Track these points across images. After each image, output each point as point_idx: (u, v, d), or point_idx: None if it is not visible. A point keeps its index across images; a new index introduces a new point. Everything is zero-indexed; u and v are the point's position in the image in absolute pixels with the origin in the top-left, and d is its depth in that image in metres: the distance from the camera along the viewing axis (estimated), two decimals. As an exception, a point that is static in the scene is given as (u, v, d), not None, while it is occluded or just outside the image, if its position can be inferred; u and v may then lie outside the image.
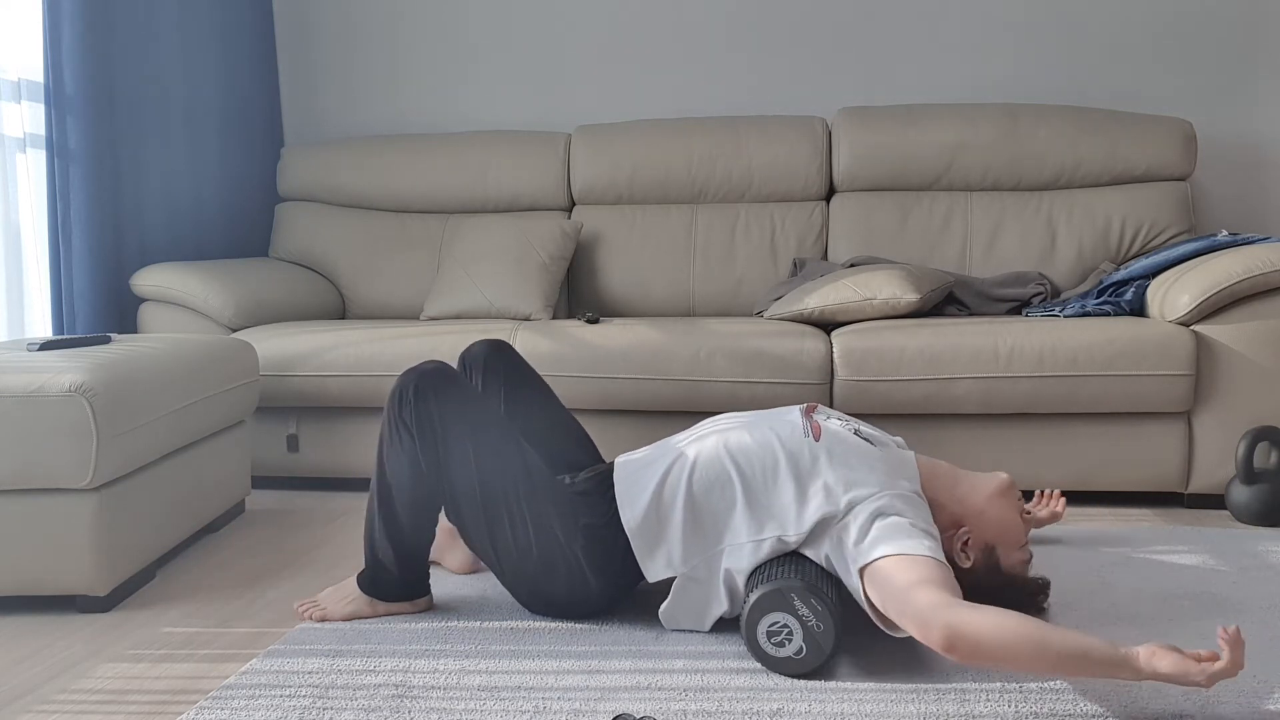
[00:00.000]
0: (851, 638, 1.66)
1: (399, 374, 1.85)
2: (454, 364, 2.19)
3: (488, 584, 1.97)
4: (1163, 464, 2.49)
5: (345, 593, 1.82)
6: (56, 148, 2.71)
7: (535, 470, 1.72)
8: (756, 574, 1.59)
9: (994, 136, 3.16)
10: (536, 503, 1.69)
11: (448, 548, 2.02)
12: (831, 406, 2.56)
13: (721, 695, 1.47)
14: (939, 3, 3.46)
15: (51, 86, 2.69)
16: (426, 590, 1.85)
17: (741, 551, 1.62)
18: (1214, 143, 3.33)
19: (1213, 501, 2.49)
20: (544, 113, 3.65)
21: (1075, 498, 2.59)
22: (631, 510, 1.67)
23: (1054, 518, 2.06)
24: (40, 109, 2.74)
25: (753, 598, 1.53)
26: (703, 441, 1.70)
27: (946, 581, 1.44)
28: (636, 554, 1.67)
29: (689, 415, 2.61)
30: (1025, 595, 1.69)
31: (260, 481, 2.80)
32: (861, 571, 1.50)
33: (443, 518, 1.94)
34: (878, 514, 1.54)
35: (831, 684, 1.50)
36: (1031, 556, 1.71)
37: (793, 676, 1.52)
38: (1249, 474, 2.35)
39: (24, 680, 1.59)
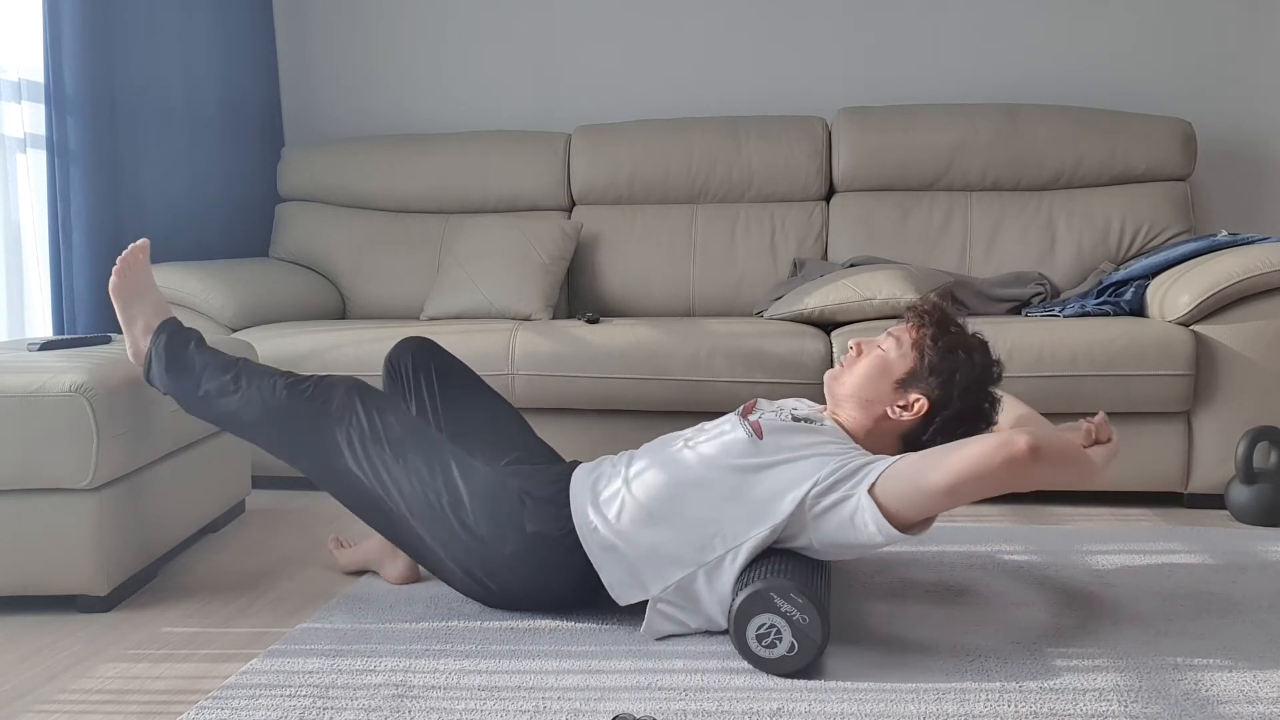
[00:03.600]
0: (852, 638, 1.66)
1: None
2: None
3: (488, 584, 1.96)
4: (1162, 464, 2.49)
5: (152, 299, 1.97)
6: (57, 148, 2.71)
7: (460, 474, 1.72)
8: (739, 581, 1.58)
9: (994, 137, 3.16)
10: (466, 508, 1.70)
11: (387, 558, 1.99)
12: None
13: (721, 695, 1.47)
14: (939, 2, 3.46)
15: (52, 86, 2.69)
16: (151, 381, 1.94)
17: (720, 567, 1.60)
18: (1214, 142, 3.33)
19: (1212, 501, 2.49)
20: (544, 113, 3.65)
21: (1075, 498, 2.58)
22: (592, 536, 1.65)
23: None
24: (40, 109, 2.74)
25: (735, 605, 1.53)
26: (655, 467, 1.68)
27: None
28: (604, 579, 1.66)
29: (689, 415, 2.60)
30: (988, 375, 1.70)
31: (260, 481, 2.80)
32: (874, 487, 1.52)
33: None
34: (846, 466, 1.57)
35: (831, 684, 1.50)
36: (910, 371, 1.71)
37: (791, 675, 1.52)
38: (1249, 474, 2.35)
39: (24, 680, 1.59)
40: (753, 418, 1.72)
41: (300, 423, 1.82)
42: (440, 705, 1.45)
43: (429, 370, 2.01)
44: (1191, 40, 3.36)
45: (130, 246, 2.00)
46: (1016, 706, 1.41)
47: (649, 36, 3.59)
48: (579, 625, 1.74)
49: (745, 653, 1.54)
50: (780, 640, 1.51)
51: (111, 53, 2.86)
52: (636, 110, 3.57)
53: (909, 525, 1.54)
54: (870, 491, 1.52)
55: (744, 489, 1.60)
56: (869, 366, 1.73)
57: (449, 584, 1.83)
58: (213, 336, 2.47)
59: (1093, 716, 1.38)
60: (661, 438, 1.80)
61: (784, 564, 1.56)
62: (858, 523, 1.53)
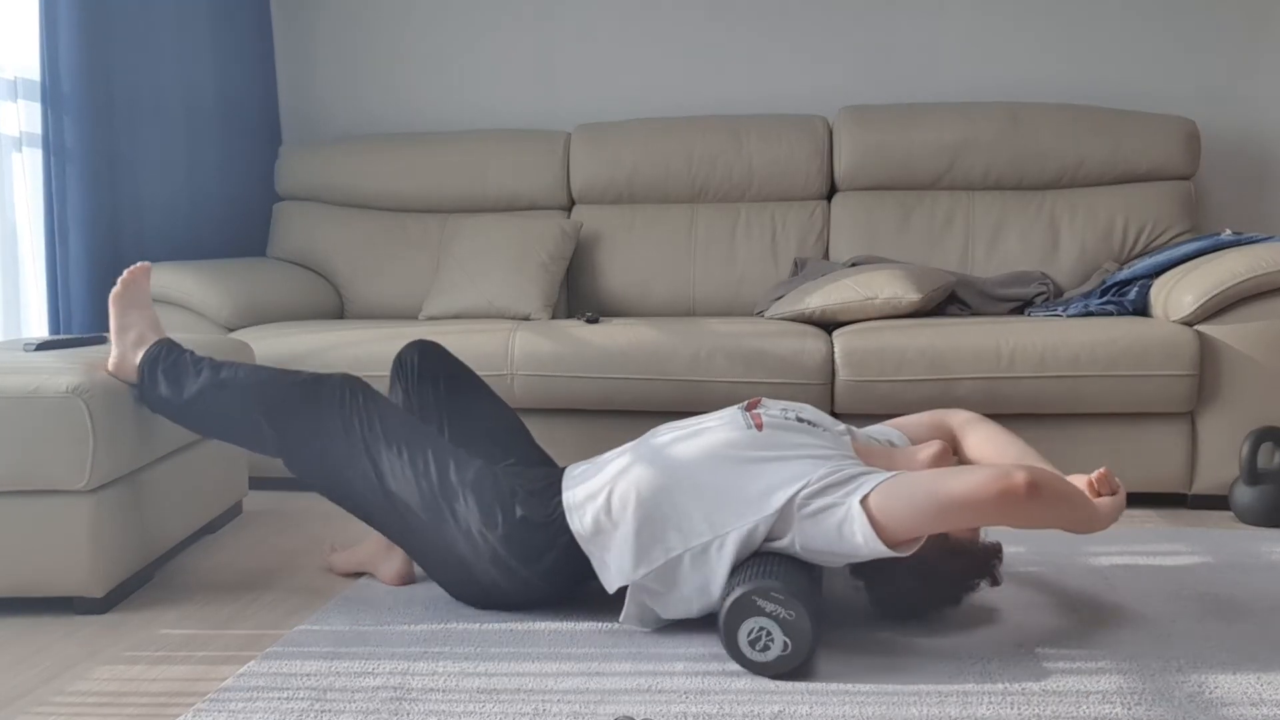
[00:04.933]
0: (853, 641, 1.65)
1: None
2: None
3: (487, 585, 1.95)
4: (1166, 465, 2.48)
5: (146, 315, 1.96)
6: (53, 147, 2.70)
7: (454, 465, 1.73)
8: (724, 589, 1.57)
9: (996, 135, 3.15)
10: (459, 496, 1.71)
11: (382, 560, 1.99)
12: (833, 407, 2.55)
13: (722, 698, 1.46)
14: (940, 2, 3.45)
15: (48, 85, 2.68)
16: (143, 397, 1.93)
17: (706, 553, 1.60)
18: (1217, 142, 3.32)
19: (1216, 502, 2.47)
20: (544, 112, 3.64)
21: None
22: (580, 519, 1.66)
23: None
24: (36, 108, 2.73)
25: (722, 616, 1.52)
26: (649, 451, 1.69)
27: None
28: (594, 565, 1.67)
29: (689, 415, 2.59)
30: (978, 563, 1.69)
31: (257, 482, 2.79)
32: (866, 499, 1.50)
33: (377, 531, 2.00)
34: (840, 472, 1.56)
35: (833, 686, 1.49)
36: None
37: (790, 676, 1.51)
38: (1253, 474, 2.34)
39: (20, 682, 1.58)
40: (756, 411, 1.72)
41: (296, 418, 1.81)
42: (439, 708, 1.44)
43: (435, 373, 2.01)
44: (1195, 39, 3.34)
45: (135, 265, 2.00)
46: (1019, 709, 1.40)
47: (649, 36, 3.58)
48: (579, 627, 1.74)
49: (741, 660, 1.53)
50: (773, 641, 1.50)
51: (108, 51, 2.85)
52: (636, 109, 3.56)
53: (897, 542, 1.52)
54: (862, 503, 1.51)
55: (736, 479, 1.60)
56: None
57: (441, 585, 1.83)
58: (210, 337, 2.46)
59: (1096, 719, 1.37)
60: (658, 427, 1.80)
61: (766, 566, 1.56)
62: (845, 532, 1.52)
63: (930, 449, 1.72)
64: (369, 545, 2.02)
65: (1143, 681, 1.49)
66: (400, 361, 2.04)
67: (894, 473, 1.56)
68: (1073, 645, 1.63)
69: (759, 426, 1.66)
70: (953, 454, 1.76)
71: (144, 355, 1.92)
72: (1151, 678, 1.50)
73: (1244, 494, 2.36)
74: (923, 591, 1.68)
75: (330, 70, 3.76)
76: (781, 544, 1.59)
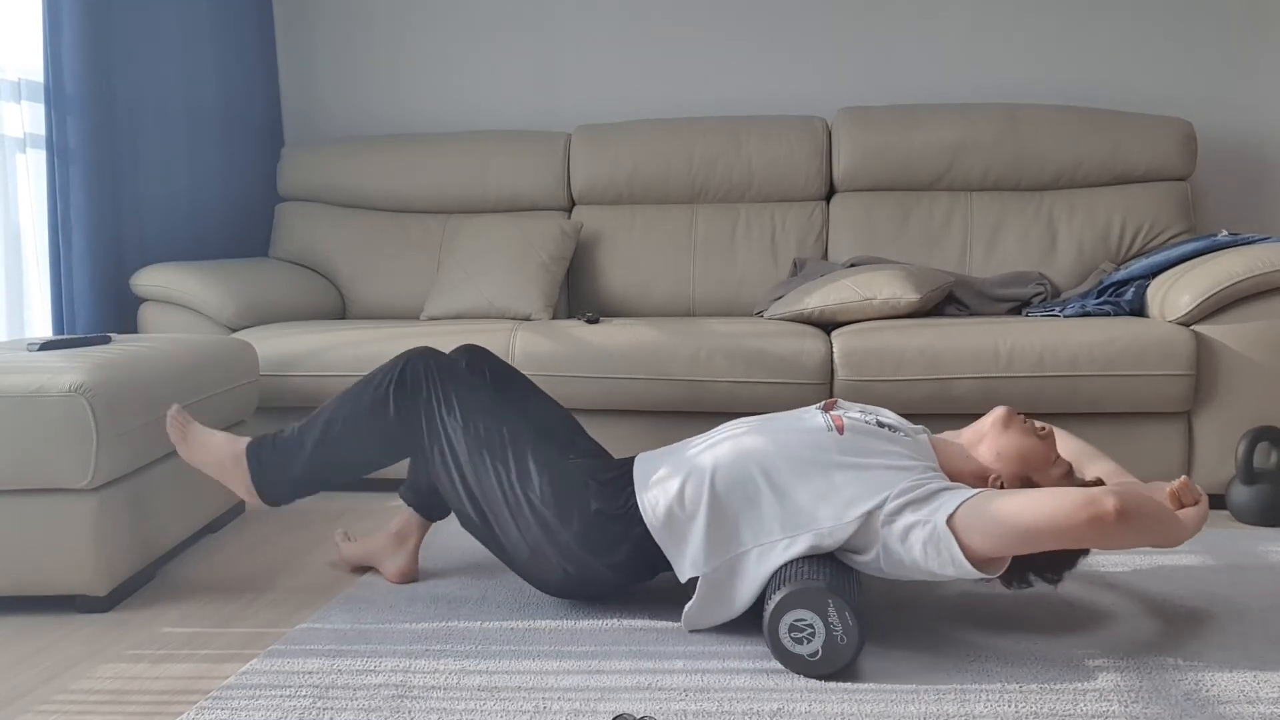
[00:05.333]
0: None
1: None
2: None
3: (488, 584, 1.97)
4: (1163, 464, 2.49)
5: (217, 441, 1.86)
6: (56, 148, 2.71)
7: (536, 454, 1.73)
8: (787, 569, 1.57)
9: (994, 136, 3.16)
10: (534, 485, 1.70)
11: (389, 554, 1.99)
12: (832, 406, 2.55)
13: (721, 695, 1.46)
14: (939, 2, 3.46)
15: (51, 86, 2.68)
16: (281, 501, 1.88)
17: (773, 551, 1.59)
18: (1214, 143, 3.33)
19: (1213, 502, 2.47)
20: (544, 112, 3.65)
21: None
22: (654, 510, 1.66)
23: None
24: (40, 109, 2.74)
25: (787, 589, 1.51)
26: (725, 443, 1.68)
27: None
28: (666, 553, 1.66)
29: (689, 415, 2.61)
30: (1057, 560, 1.66)
31: (260, 481, 2.80)
32: (952, 517, 1.49)
33: (389, 523, 2.01)
34: (923, 487, 1.54)
35: (832, 684, 1.50)
36: (1071, 467, 1.70)
37: (798, 674, 1.52)
38: (1249, 474, 2.35)
39: (23, 681, 1.59)
40: (835, 413, 1.71)
41: (395, 425, 1.81)
42: (440, 705, 1.44)
43: (486, 376, 1.99)
44: (1192, 40, 3.35)
45: (169, 416, 1.93)
46: (1017, 706, 1.41)
47: (649, 37, 3.59)
48: (579, 625, 1.74)
49: (771, 635, 1.52)
50: (810, 640, 1.51)
51: (111, 52, 2.86)
52: (636, 110, 3.57)
53: (982, 562, 1.51)
54: (949, 522, 1.49)
55: (814, 482, 1.59)
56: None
57: (518, 573, 1.81)
58: (211, 337, 2.47)
59: (1093, 717, 1.38)
60: (729, 423, 1.79)
61: (845, 577, 1.55)
62: (932, 552, 1.50)
63: (993, 418, 1.69)
64: (379, 539, 2.03)
65: (1139, 679, 1.50)
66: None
67: (977, 490, 1.53)
68: (1069, 642, 1.64)
69: (840, 429, 1.65)
70: (1017, 413, 1.71)
71: (250, 472, 1.86)
72: (1148, 675, 1.51)
73: (1240, 493, 2.37)
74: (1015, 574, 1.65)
75: (332, 71, 3.77)
76: (864, 559, 1.58)
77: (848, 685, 1.49)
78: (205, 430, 1.92)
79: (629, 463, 1.77)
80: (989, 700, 1.43)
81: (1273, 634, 1.66)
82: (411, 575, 1.98)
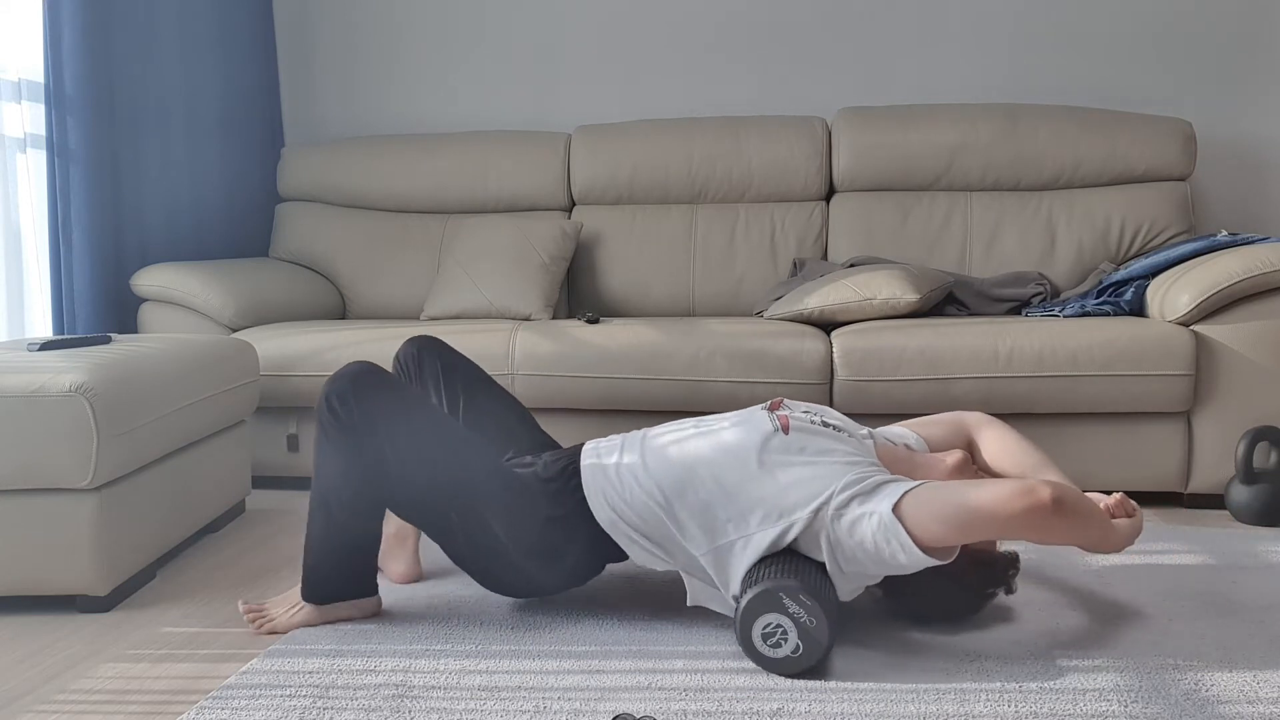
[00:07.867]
0: (852, 638, 1.66)
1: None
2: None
3: (488, 584, 1.97)
4: (1162, 464, 2.49)
5: (291, 601, 1.78)
6: (57, 148, 2.71)
7: (483, 460, 1.71)
8: (747, 577, 1.58)
9: (994, 137, 3.16)
10: (483, 493, 1.68)
11: (392, 555, 1.99)
12: (831, 406, 2.55)
13: (721, 695, 1.47)
14: (939, 3, 3.46)
15: (52, 86, 2.69)
16: (373, 591, 1.80)
17: (730, 552, 1.60)
18: (1213, 143, 3.33)
19: (1212, 501, 2.49)
20: (544, 113, 3.65)
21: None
22: (600, 510, 1.67)
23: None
24: (40, 109, 2.74)
25: (743, 603, 1.52)
26: (673, 446, 1.68)
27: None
28: (620, 544, 1.67)
29: (690, 415, 2.61)
30: (995, 573, 1.70)
31: (260, 481, 2.80)
32: (897, 506, 1.50)
33: (388, 524, 1.98)
34: (868, 480, 1.56)
35: (831, 684, 1.50)
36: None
37: (793, 675, 1.52)
38: (1249, 474, 2.35)
39: (24, 680, 1.59)
40: (781, 413, 1.71)
41: (352, 451, 1.70)
42: (440, 705, 1.45)
43: (435, 368, 2.00)
44: (1191, 41, 3.35)
45: (254, 622, 1.78)
46: (1016, 706, 1.41)
47: (649, 37, 3.59)
48: (579, 624, 1.75)
49: (750, 651, 1.53)
50: (786, 640, 1.51)
51: (111, 52, 2.86)
52: (636, 110, 3.57)
53: (931, 549, 1.51)
54: (894, 510, 1.50)
55: (762, 481, 1.60)
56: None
57: (472, 575, 1.79)
58: (212, 337, 2.47)
59: (1093, 716, 1.38)
60: (677, 421, 1.79)
61: (793, 565, 1.56)
62: (881, 541, 1.51)
63: (952, 458, 1.73)
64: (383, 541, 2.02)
65: (1139, 679, 1.50)
66: (399, 361, 2.03)
67: (919, 481, 1.56)
68: (1069, 643, 1.64)
69: (785, 429, 1.66)
70: (972, 462, 1.76)
71: (324, 599, 1.77)
72: (1148, 675, 1.51)
73: (1240, 493, 2.37)
74: (943, 601, 1.69)
75: (332, 72, 3.77)
76: (820, 557, 1.58)
77: (847, 685, 1.49)
78: (278, 600, 1.81)
79: (575, 452, 1.75)
80: (988, 700, 1.44)
81: (1273, 634, 1.66)
82: (414, 575, 1.98)
